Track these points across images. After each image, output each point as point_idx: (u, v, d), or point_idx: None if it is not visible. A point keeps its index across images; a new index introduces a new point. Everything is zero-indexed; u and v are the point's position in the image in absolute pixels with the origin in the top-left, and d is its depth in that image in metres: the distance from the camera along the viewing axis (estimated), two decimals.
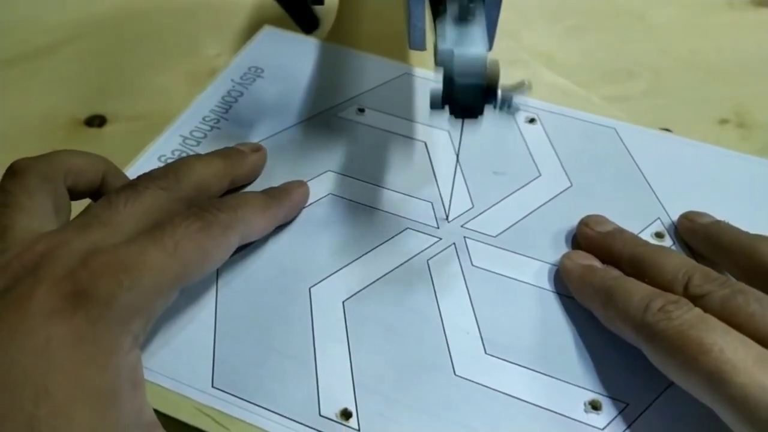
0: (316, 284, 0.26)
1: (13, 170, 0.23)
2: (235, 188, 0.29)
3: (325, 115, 0.34)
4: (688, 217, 0.28)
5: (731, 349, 0.19)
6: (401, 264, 0.27)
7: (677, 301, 0.22)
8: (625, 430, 0.22)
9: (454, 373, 0.24)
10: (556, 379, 0.24)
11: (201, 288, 0.26)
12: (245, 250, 0.27)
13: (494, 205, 0.29)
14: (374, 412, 0.23)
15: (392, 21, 0.40)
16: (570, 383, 0.23)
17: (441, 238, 0.28)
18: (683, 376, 0.21)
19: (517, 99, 0.21)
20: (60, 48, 0.42)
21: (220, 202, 0.24)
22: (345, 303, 0.26)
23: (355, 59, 0.37)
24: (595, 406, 0.23)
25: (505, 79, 0.22)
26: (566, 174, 0.31)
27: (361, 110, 0.34)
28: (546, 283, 0.26)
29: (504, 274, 0.27)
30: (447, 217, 0.29)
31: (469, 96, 0.21)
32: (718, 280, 0.23)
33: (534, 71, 0.36)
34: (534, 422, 0.22)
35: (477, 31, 0.22)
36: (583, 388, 0.23)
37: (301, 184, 0.29)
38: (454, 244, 0.28)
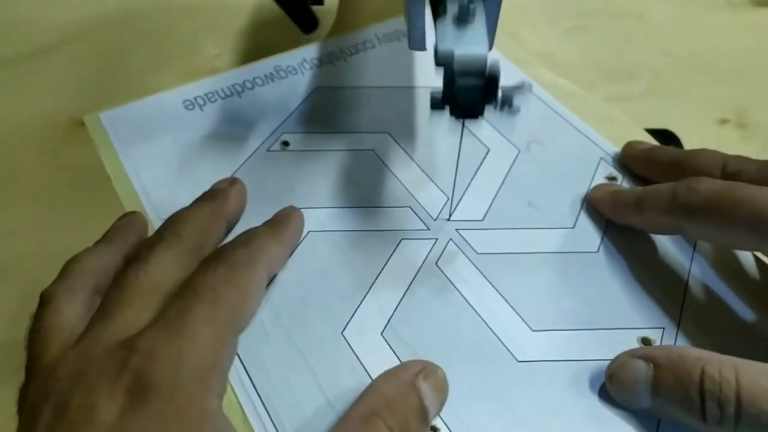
0: (346, 326, 0.25)
1: (41, 299, 0.23)
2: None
3: (415, 90, 0.34)
4: (628, 146, 0.31)
5: (761, 194, 0.22)
6: (378, 230, 0.28)
7: (699, 178, 0.24)
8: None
9: (517, 360, 0.24)
10: (604, 329, 0.25)
11: None
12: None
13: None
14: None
15: (392, 21, 0.40)
16: (616, 328, 0.25)
17: (429, 229, 0.28)
18: (726, 233, 0.24)
19: (518, 99, 0.21)
20: (60, 48, 0.42)
21: (232, 243, 0.24)
22: (383, 334, 0.25)
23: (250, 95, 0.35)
24: (645, 342, 0.24)
25: (506, 79, 0.22)
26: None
27: (286, 143, 0.31)
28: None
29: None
30: (450, 216, 0.29)
31: (470, 96, 0.21)
32: (749, 159, 0.26)
33: (534, 71, 0.36)
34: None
35: (477, 30, 0.22)
36: (629, 328, 0.25)
37: (293, 207, 0.28)
38: (451, 239, 0.28)
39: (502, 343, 0.25)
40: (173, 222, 0.25)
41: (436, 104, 0.22)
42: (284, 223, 0.27)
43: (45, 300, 0.22)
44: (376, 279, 0.26)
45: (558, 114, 0.34)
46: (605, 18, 0.46)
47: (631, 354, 0.22)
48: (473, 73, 0.21)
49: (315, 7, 0.35)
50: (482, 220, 0.29)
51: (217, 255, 0.23)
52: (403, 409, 0.21)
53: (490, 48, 0.24)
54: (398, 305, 0.25)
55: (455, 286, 0.26)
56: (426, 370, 0.22)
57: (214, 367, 0.19)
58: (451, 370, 0.23)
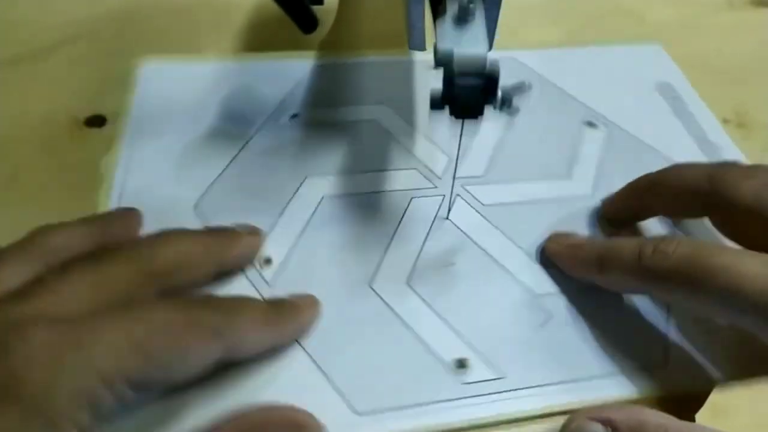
0: (313, 175, 0.29)
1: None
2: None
3: (267, 127, 0.32)
4: (551, 240, 0.28)
5: (737, 263, 0.20)
6: (389, 191, 0.30)
7: (664, 239, 0.22)
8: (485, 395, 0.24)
9: (369, 285, 0.26)
10: (449, 327, 0.26)
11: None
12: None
13: (504, 182, 0.31)
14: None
15: (392, 21, 0.40)
16: (457, 335, 0.25)
17: (437, 187, 0.30)
18: (698, 302, 0.21)
19: (517, 99, 0.21)
20: (60, 48, 0.42)
21: (217, 300, 0.21)
22: (324, 198, 0.29)
23: (256, 68, 0.36)
24: (462, 364, 0.25)
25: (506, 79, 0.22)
26: (593, 185, 0.32)
27: (295, 115, 0.33)
28: (500, 258, 0.28)
29: (468, 234, 0.29)
30: (454, 174, 0.30)
31: (469, 96, 0.21)
32: (740, 170, 0.23)
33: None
34: (409, 355, 0.24)
35: (477, 30, 0.22)
36: (465, 343, 0.25)
37: (314, 302, 0.25)
38: (443, 195, 0.30)
39: (517, 280, 0.27)
40: (157, 237, 0.22)
41: (436, 104, 0.22)
42: (286, 316, 0.23)
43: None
44: (393, 234, 0.28)
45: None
46: (605, 18, 0.46)
47: (588, 416, 0.21)
48: (472, 74, 0.21)
49: (315, 7, 0.35)
50: (484, 176, 0.31)
51: (189, 302, 0.20)
52: None
53: (490, 48, 0.24)
54: (419, 255, 0.27)
55: (470, 237, 0.28)
56: (302, 428, 0.21)
57: (86, 399, 0.17)
58: (471, 308, 0.26)
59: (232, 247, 0.24)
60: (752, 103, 0.39)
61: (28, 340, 0.16)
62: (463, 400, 0.23)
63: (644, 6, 0.47)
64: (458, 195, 0.30)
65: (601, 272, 0.25)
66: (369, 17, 0.41)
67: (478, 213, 0.29)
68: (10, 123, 0.37)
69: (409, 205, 0.29)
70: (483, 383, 0.24)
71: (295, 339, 0.24)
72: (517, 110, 0.22)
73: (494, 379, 0.24)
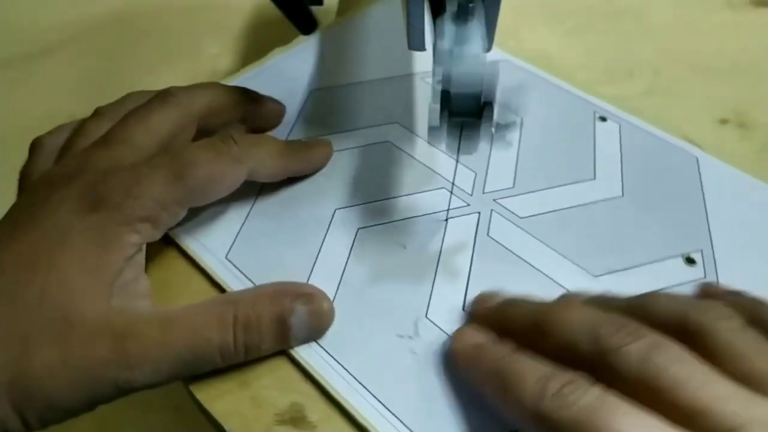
0: (341, 208, 0.29)
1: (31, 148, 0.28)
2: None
3: (414, 76, 0.36)
4: (478, 302, 0.25)
5: None
6: (423, 215, 0.29)
7: (573, 381, 0.19)
8: None
9: (425, 315, 0.25)
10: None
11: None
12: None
13: (534, 191, 0.30)
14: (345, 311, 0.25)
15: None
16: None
17: (469, 204, 0.30)
18: None
19: (511, 122, 0.22)
20: (60, 48, 0.42)
21: (240, 135, 0.27)
22: (359, 230, 0.28)
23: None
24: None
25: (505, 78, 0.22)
26: (622, 183, 0.30)
27: None
28: (550, 271, 0.27)
29: (513, 251, 0.28)
30: (483, 188, 0.30)
31: (467, 99, 0.22)
32: (626, 328, 0.20)
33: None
34: None
35: (476, 29, 0.22)
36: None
37: (325, 144, 0.31)
38: (479, 213, 0.29)
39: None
40: (196, 87, 0.28)
41: (434, 124, 0.23)
42: (299, 152, 0.30)
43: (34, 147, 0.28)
44: (438, 262, 0.27)
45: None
46: (605, 18, 0.46)
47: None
48: (470, 74, 0.21)
49: (314, 8, 0.35)
50: (514, 187, 0.30)
51: (216, 140, 0.26)
52: (263, 310, 0.23)
53: (490, 48, 0.24)
54: (468, 280, 0.27)
55: (513, 252, 0.28)
56: (311, 296, 0.24)
57: (147, 218, 0.23)
58: None
59: (259, 107, 0.31)
60: (752, 103, 0.39)
61: (107, 181, 0.23)
62: None
63: (644, 6, 0.47)
64: (493, 210, 0.29)
65: (500, 395, 0.20)
66: None
67: (518, 227, 0.29)
68: (9, 123, 0.37)
69: (445, 227, 0.29)
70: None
71: (308, 172, 0.30)
72: (514, 124, 0.22)
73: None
